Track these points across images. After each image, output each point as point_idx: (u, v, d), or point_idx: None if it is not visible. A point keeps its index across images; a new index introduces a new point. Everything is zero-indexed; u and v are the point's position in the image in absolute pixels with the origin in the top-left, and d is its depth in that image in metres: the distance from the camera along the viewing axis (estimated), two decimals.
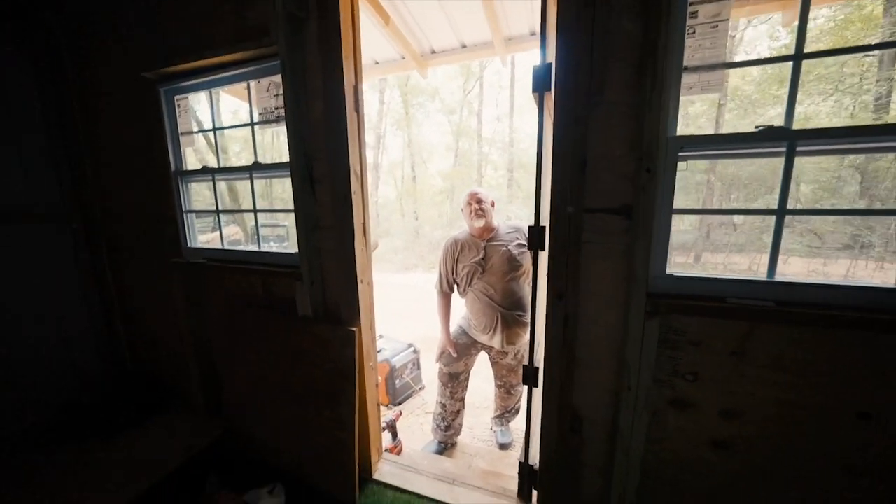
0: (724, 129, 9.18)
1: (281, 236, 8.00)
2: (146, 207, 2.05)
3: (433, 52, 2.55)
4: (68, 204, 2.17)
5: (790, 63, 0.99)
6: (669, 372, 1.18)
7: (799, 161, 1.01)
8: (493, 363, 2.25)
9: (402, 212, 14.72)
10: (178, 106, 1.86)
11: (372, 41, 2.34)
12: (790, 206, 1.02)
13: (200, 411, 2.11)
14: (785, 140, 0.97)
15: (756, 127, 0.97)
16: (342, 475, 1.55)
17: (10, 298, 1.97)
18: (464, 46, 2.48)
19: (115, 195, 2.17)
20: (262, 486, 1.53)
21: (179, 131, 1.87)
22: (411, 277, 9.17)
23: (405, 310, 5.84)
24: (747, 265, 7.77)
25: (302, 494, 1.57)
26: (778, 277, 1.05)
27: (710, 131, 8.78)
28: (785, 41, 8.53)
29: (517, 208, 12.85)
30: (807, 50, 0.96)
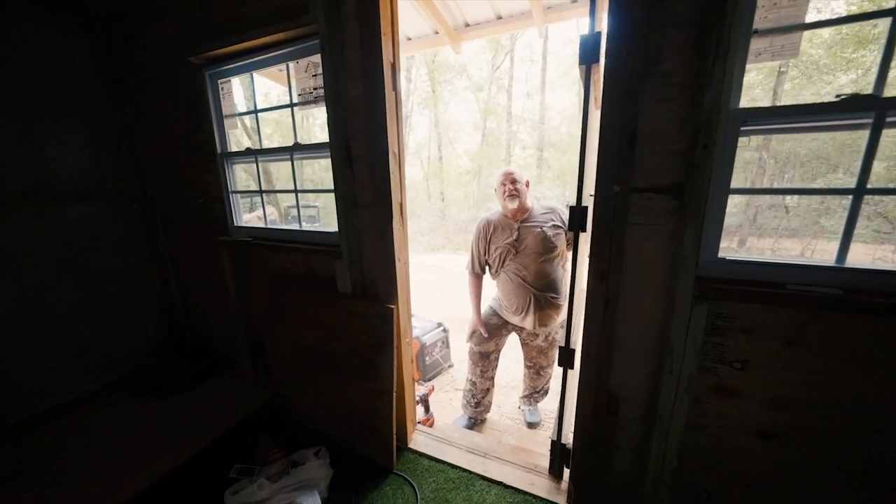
0: (784, 100, 8.34)
1: (312, 216, 8.26)
2: (194, 188, 2.18)
3: (467, 25, 2.46)
4: (129, 185, 2.35)
5: (880, 20, 0.87)
6: (715, 358, 1.14)
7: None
8: (524, 344, 2.26)
9: (428, 193, 14.68)
10: (222, 89, 1.93)
11: (405, 16, 2.29)
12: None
13: (249, 377, 2.29)
14: (872, 110, 0.87)
15: (837, 96, 0.88)
16: (381, 442, 1.64)
17: (85, 271, 2.19)
18: (499, 18, 2.37)
19: (166, 176, 2.31)
20: (308, 447, 1.65)
21: (224, 114, 1.94)
22: (438, 258, 9.24)
23: (433, 290, 5.93)
24: (800, 250, 7.20)
25: (344, 458, 1.69)
26: (849, 263, 0.97)
27: (765, 103, 8.02)
28: None
29: (547, 188, 12.47)
30: None
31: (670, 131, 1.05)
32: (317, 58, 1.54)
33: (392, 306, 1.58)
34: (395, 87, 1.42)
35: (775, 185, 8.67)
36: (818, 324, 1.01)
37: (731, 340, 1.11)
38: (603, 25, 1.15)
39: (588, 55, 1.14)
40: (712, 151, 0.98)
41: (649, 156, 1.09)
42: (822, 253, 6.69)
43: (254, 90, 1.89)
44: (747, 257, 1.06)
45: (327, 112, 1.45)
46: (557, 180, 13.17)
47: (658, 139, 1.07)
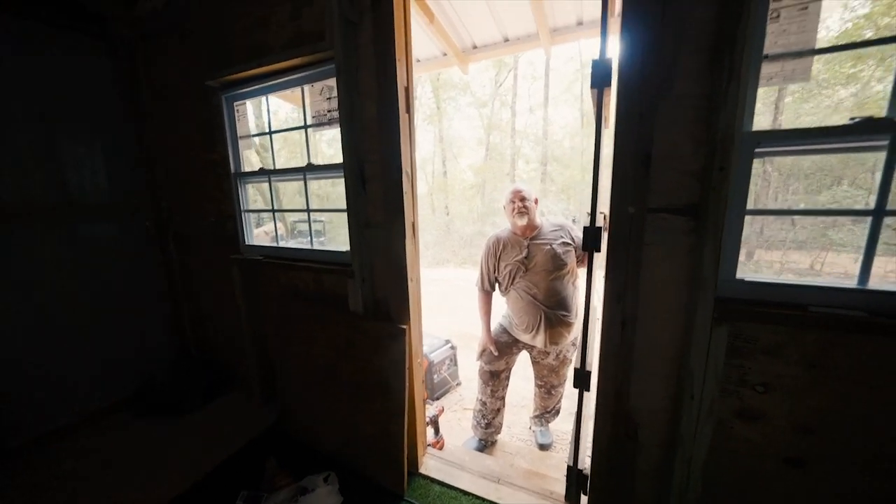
0: (785, 114, 8.39)
1: (318, 231, 8.33)
2: (207, 206, 2.21)
3: (475, 47, 2.53)
4: (143, 202, 2.39)
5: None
6: (736, 381, 1.12)
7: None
8: (534, 363, 2.23)
9: (432, 207, 14.78)
10: (237, 111, 1.98)
11: (415, 39, 2.36)
12: (869, 200, 0.93)
13: (256, 396, 2.26)
14: (888, 133, 0.88)
15: (851, 119, 0.89)
16: (392, 467, 1.61)
17: (95, 288, 2.20)
18: (506, 40, 2.44)
19: (179, 194, 2.35)
20: (316, 472, 1.62)
21: (238, 134, 1.98)
22: (443, 272, 9.23)
23: (439, 305, 5.90)
24: (809, 264, 7.13)
25: (353, 483, 1.65)
26: (871, 285, 0.96)
27: (767, 117, 8.07)
28: (862, 10, 7.57)
29: (551, 203, 12.51)
30: None
31: (685, 153, 1.06)
32: (331, 81, 1.58)
33: (404, 326, 1.58)
34: (408, 110, 1.46)
35: (779, 198, 8.65)
36: (842, 347, 0.99)
37: (752, 363, 1.09)
38: (614, 50, 1.18)
39: (600, 79, 1.17)
40: (728, 173, 0.99)
41: (664, 177, 1.09)
42: (833, 265, 6.61)
43: (268, 109, 1.94)
44: (767, 278, 1.05)
45: (342, 134, 1.48)
46: (561, 194, 13.22)
47: (673, 161, 1.08)
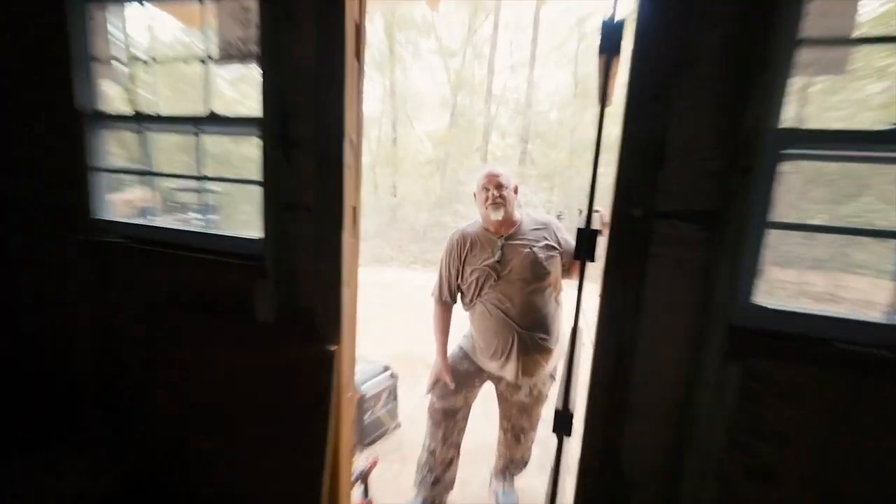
0: (809, 106, 9.43)
1: (208, 206, 7.85)
2: (34, 158, 2.02)
3: None
4: None
5: None
6: (748, 431, 1.23)
7: None
8: (501, 399, 2.29)
9: (374, 183, 14.57)
10: (93, 19, 1.82)
11: None
12: (876, 208, 1.07)
13: (105, 443, 2.10)
14: None
15: (894, 124, 1.03)
16: None
17: None
18: None
19: None
20: None
21: (93, 55, 1.82)
22: (385, 274, 9.17)
23: (376, 317, 5.85)
24: (825, 287, 8.08)
25: None
26: None
27: (791, 108, 9.02)
28: None
29: (530, 191, 12.87)
30: None
31: (705, 148, 1.15)
32: (251, 1, 1.51)
33: (333, 348, 1.56)
34: (358, 55, 1.44)
35: (800, 206, 9.72)
36: (870, 392, 1.11)
37: (767, 409, 1.20)
38: (635, 11, 1.25)
39: (609, 44, 1.22)
40: (752, 177, 1.09)
41: (678, 175, 1.18)
42: (852, 291, 7.57)
43: (149, 27, 1.80)
44: (789, 306, 1.17)
45: (263, 79, 1.43)
46: (543, 181, 13.64)
47: (690, 156, 1.17)
